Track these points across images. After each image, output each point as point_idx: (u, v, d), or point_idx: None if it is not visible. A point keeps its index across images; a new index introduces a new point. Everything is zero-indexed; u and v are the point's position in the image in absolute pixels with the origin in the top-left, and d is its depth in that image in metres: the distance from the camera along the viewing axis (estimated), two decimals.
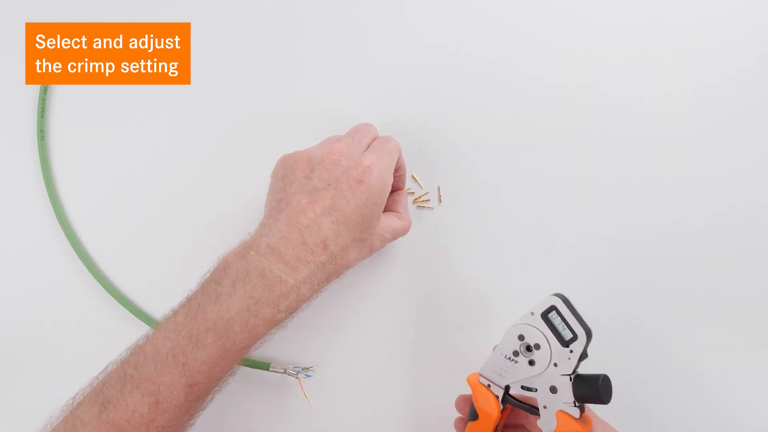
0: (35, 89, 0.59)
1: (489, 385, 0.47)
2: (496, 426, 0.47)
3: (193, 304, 0.43)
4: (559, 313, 0.44)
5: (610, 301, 0.55)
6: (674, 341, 0.55)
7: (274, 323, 0.43)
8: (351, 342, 0.56)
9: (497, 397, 0.46)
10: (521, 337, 0.45)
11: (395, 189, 0.53)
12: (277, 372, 0.53)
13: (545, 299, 0.45)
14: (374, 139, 0.50)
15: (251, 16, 0.60)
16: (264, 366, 0.54)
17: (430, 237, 0.56)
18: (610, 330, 0.55)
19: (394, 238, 0.51)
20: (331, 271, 0.45)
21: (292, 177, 0.46)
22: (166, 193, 0.58)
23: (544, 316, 0.44)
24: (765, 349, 0.54)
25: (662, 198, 0.56)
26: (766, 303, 0.55)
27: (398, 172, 0.53)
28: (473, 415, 0.47)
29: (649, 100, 0.57)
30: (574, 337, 0.44)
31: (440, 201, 0.57)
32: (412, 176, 0.57)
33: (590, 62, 0.58)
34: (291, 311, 0.44)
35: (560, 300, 0.44)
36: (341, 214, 0.44)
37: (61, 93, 0.59)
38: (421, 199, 0.57)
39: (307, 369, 0.53)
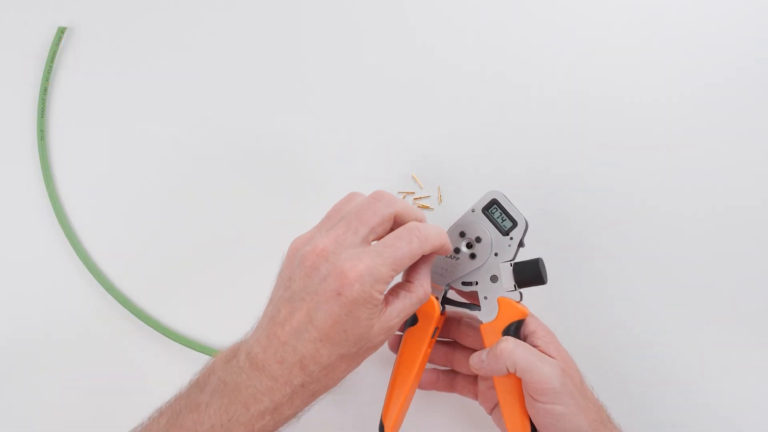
0: (35, 89, 0.59)
1: None
2: (434, 330, 0.47)
3: (176, 408, 0.41)
4: (499, 206, 0.47)
5: (610, 300, 0.55)
6: (673, 341, 0.55)
7: None
8: None
9: (437, 297, 0.48)
10: (462, 234, 0.48)
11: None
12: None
13: (486, 195, 0.48)
14: (390, 221, 0.41)
15: (251, 16, 0.60)
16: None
17: None
18: (610, 329, 0.55)
19: (408, 316, 0.42)
20: (315, 390, 0.40)
21: (282, 275, 0.41)
22: (167, 192, 0.58)
23: (485, 210, 0.48)
24: (764, 349, 0.54)
25: (662, 198, 0.56)
26: (766, 303, 0.55)
27: (436, 252, 0.43)
28: (412, 321, 0.48)
29: (649, 100, 0.57)
30: (514, 225, 0.47)
31: (440, 201, 0.57)
32: (412, 176, 0.58)
33: (590, 63, 0.58)
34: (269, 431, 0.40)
35: (501, 194, 0.47)
36: (319, 331, 0.38)
37: (61, 93, 0.59)
38: (421, 199, 0.57)
39: None
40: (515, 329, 0.46)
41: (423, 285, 0.43)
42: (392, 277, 0.39)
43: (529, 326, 0.46)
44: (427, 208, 0.57)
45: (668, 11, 0.58)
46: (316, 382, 0.39)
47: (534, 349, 0.44)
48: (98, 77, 0.59)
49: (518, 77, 0.58)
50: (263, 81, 0.59)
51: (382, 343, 0.41)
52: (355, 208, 0.41)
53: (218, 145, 0.59)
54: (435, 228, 0.42)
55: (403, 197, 0.57)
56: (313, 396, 0.40)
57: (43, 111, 0.58)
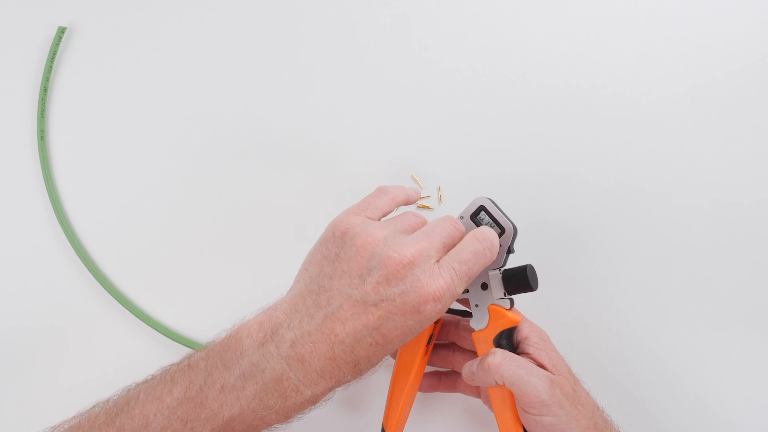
0: (35, 89, 0.59)
1: None
2: (429, 338, 0.47)
3: (195, 382, 0.38)
4: (487, 213, 0.46)
5: (609, 301, 0.55)
6: (673, 342, 0.54)
7: (278, 423, 0.40)
8: None
9: None
10: None
11: None
12: None
13: (473, 202, 0.46)
14: (460, 238, 0.42)
15: (251, 15, 0.60)
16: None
17: None
18: (610, 330, 0.55)
19: None
20: (352, 380, 0.40)
21: (344, 266, 0.39)
22: (167, 192, 0.58)
23: (473, 217, 0.46)
24: (764, 350, 0.54)
25: (661, 198, 0.56)
26: (765, 303, 0.55)
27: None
28: None
29: (649, 100, 0.57)
30: (502, 232, 0.46)
31: (440, 201, 0.57)
32: (412, 176, 0.58)
33: (590, 62, 0.58)
34: (299, 414, 0.40)
35: (487, 200, 0.46)
36: (384, 338, 0.37)
37: (61, 93, 0.59)
38: (421, 199, 0.57)
39: None
40: (507, 337, 0.46)
41: None
42: (463, 288, 0.40)
43: (522, 332, 0.46)
44: (427, 208, 0.57)
45: (668, 11, 0.58)
46: (358, 376, 0.39)
47: (523, 360, 0.43)
48: (98, 77, 0.60)
49: (519, 78, 0.58)
50: (263, 81, 0.59)
51: None
52: (440, 226, 0.41)
53: (219, 145, 0.59)
54: (494, 233, 0.43)
55: None
56: (345, 384, 0.40)
57: (43, 111, 0.58)
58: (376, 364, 0.39)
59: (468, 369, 0.46)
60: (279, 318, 0.39)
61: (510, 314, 0.45)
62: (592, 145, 0.57)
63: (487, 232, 0.42)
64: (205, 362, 0.39)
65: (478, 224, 0.46)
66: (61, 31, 0.58)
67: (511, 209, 0.56)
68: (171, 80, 0.60)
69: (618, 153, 0.57)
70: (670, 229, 0.56)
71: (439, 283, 0.38)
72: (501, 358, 0.43)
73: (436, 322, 0.48)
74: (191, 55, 0.60)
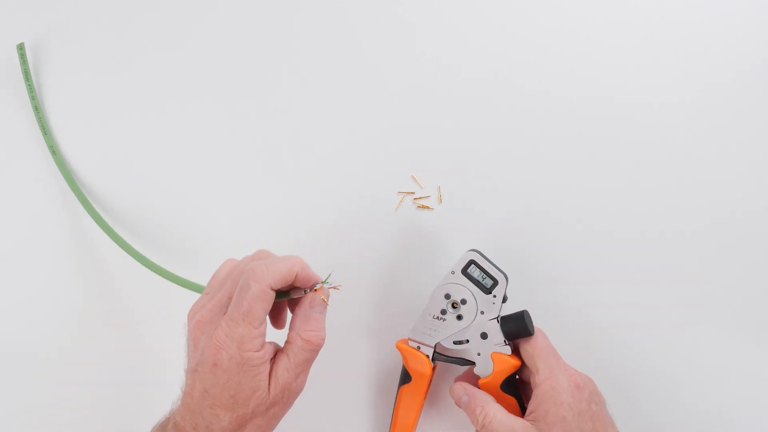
0: (28, 110, 0.58)
1: (418, 347, 0.51)
2: (428, 384, 0.51)
3: None
4: (477, 266, 0.49)
5: (610, 302, 0.55)
6: (673, 344, 0.54)
7: None
8: (351, 342, 0.57)
9: (427, 356, 0.50)
10: (447, 296, 0.50)
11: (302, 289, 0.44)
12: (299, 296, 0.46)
13: (462, 257, 0.49)
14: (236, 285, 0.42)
15: (247, 15, 0.58)
16: (285, 295, 0.45)
17: (430, 237, 0.57)
18: (610, 331, 0.55)
19: (308, 366, 0.44)
20: None
21: (188, 343, 0.43)
22: (166, 192, 0.60)
23: (464, 271, 0.49)
24: (764, 350, 0.54)
25: (663, 201, 0.54)
26: (765, 304, 0.54)
27: (296, 282, 0.44)
28: (405, 378, 0.51)
29: (649, 101, 0.54)
30: (495, 283, 0.49)
31: (440, 201, 0.57)
32: (412, 176, 0.57)
33: (590, 64, 0.54)
34: None
35: (476, 254, 0.49)
36: (213, 399, 0.41)
37: (54, 103, 0.59)
38: (421, 199, 0.57)
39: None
40: (510, 380, 0.48)
41: (301, 333, 0.43)
42: (256, 329, 0.40)
43: (537, 381, 0.46)
44: (427, 208, 0.57)
45: (668, 12, 0.53)
46: None
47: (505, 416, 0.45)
48: (91, 79, 0.59)
49: (518, 77, 0.55)
50: (262, 81, 0.57)
51: (292, 398, 0.44)
52: (216, 277, 0.44)
53: (216, 145, 0.59)
54: (273, 264, 0.41)
55: (403, 197, 0.57)
56: None
57: (44, 128, 0.58)
58: (239, 429, 0.42)
59: (458, 396, 0.49)
60: (175, 403, 0.45)
61: (512, 359, 0.48)
62: (594, 147, 0.55)
63: (258, 262, 0.42)
64: None
65: (470, 277, 0.49)
66: (20, 48, 0.54)
67: (510, 209, 0.57)
68: (170, 80, 0.59)
69: (620, 155, 0.55)
70: (670, 231, 0.54)
71: (218, 334, 0.40)
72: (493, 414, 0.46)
73: (433, 368, 0.51)
74: (191, 54, 0.59)
